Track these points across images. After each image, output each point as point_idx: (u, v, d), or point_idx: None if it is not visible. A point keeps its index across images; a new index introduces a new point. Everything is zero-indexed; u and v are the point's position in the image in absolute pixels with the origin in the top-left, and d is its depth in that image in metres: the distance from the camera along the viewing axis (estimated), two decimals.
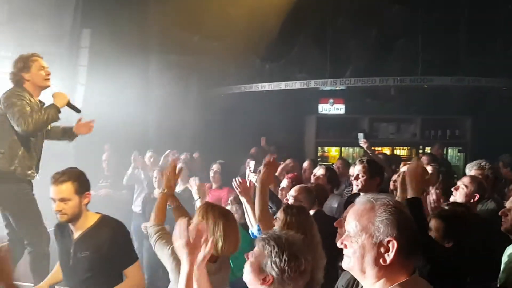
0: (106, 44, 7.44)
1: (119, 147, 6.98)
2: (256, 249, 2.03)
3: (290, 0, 9.04)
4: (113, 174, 6.64)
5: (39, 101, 3.92)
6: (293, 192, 3.82)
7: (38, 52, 7.23)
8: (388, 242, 1.56)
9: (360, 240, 1.58)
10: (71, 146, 7.10)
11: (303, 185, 4.16)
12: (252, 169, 4.59)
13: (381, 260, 1.56)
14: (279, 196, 4.46)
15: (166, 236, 2.78)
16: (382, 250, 1.56)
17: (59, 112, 3.81)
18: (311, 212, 4.03)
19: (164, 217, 3.01)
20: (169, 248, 2.63)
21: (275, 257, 1.96)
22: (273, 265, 1.95)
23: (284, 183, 4.56)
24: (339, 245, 1.66)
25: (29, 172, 3.80)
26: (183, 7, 8.46)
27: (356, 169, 3.98)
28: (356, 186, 3.92)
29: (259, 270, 1.98)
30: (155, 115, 8.28)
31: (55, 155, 6.92)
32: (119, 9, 7.31)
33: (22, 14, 7.52)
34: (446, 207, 3.12)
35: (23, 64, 3.84)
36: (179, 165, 3.30)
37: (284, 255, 1.96)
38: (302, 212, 2.98)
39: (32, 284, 3.74)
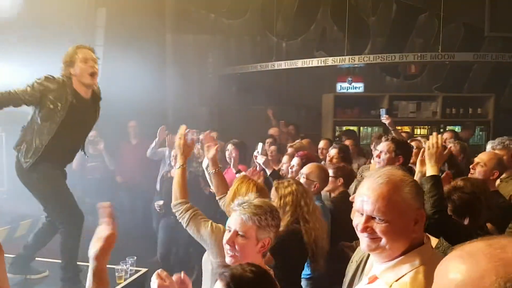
0: (122, 23, 7.40)
1: (139, 125, 7.03)
2: (244, 226, 2.09)
3: None
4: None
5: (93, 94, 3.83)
6: (305, 169, 3.75)
7: (54, 32, 7.30)
8: (417, 214, 1.56)
9: (393, 221, 1.53)
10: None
11: (315, 163, 4.09)
12: (260, 151, 4.56)
13: (412, 233, 1.56)
14: (288, 173, 4.40)
15: (199, 213, 2.77)
16: (413, 223, 1.56)
17: None
18: (336, 192, 3.98)
19: (187, 193, 2.93)
20: (208, 224, 2.66)
21: (271, 220, 2.12)
22: (271, 228, 2.11)
23: (295, 161, 4.41)
24: (361, 230, 1.57)
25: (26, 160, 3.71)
26: None
27: (380, 146, 3.88)
28: (378, 164, 3.82)
29: (256, 242, 2.08)
30: (172, 94, 8.27)
31: None
32: None
33: None
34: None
35: (69, 58, 3.66)
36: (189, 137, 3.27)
37: (274, 214, 2.15)
38: (292, 184, 3.03)
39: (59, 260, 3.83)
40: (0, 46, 7.00)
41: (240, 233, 2.07)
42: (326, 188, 3.94)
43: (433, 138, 2.79)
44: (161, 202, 5.64)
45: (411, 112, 9.61)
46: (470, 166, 3.68)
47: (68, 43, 7.29)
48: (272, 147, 6.00)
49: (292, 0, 9.24)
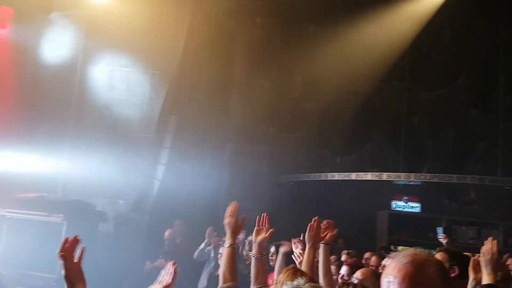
0: (189, 129, 8.11)
1: (191, 225, 7.27)
2: None
3: (364, 97, 9.33)
4: (174, 250, 6.82)
5: None
6: (358, 275, 3.57)
7: (127, 137, 8.11)
8: None
9: None
10: (146, 219, 7.65)
11: (369, 268, 3.98)
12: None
13: None
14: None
15: None
16: None
17: None
18: None
19: (236, 275, 2.86)
20: None
21: None
22: None
23: (343, 270, 4.34)
24: None
25: None
26: (261, 101, 9.11)
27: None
28: None
29: None
30: (227, 198, 8.58)
31: (129, 225, 7.43)
32: (203, 99, 8.05)
33: (118, 101, 8.53)
34: None
35: None
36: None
37: None
38: None
39: None
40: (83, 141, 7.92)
41: None
42: None
43: (487, 243, 2.72)
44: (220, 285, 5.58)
45: (471, 239, 9.17)
46: None
47: (139, 146, 8.10)
48: (332, 257, 5.91)
49: (349, 119, 9.67)
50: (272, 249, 5.36)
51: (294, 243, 4.35)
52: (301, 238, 4.35)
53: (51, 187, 7.37)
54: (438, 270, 1.52)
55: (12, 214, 6.67)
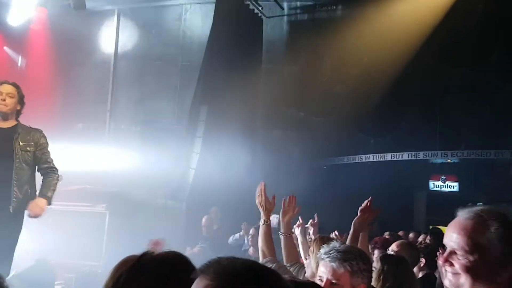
0: (220, 118, 8.21)
1: (226, 211, 7.40)
2: (336, 274, 2.01)
3: (395, 76, 9.14)
4: (212, 236, 6.96)
5: None
6: (394, 247, 3.61)
7: (161, 128, 8.37)
8: (505, 258, 1.43)
9: (474, 259, 1.42)
10: (183, 207, 7.83)
11: (404, 240, 3.99)
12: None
13: (497, 278, 1.42)
14: None
15: (288, 271, 2.83)
16: (498, 267, 1.43)
17: None
18: (420, 274, 3.82)
19: (274, 249, 2.99)
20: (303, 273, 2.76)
21: (363, 264, 2.03)
22: (364, 273, 2.04)
23: (376, 253, 4.42)
24: (442, 261, 1.50)
25: None
26: (290, 86, 9.09)
27: None
28: None
29: None
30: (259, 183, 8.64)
31: (167, 213, 7.64)
32: (233, 87, 8.11)
33: (151, 94, 8.80)
34: None
35: None
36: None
37: (365, 258, 2.07)
38: (401, 264, 2.86)
39: None
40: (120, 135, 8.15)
41: (333, 281, 2.00)
42: None
43: None
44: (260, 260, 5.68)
45: None
46: None
47: (172, 136, 8.30)
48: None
49: (382, 99, 9.51)
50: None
51: (311, 224, 4.44)
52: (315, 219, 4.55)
53: (93, 179, 7.63)
54: (501, 230, 1.44)
55: (58, 207, 6.94)
